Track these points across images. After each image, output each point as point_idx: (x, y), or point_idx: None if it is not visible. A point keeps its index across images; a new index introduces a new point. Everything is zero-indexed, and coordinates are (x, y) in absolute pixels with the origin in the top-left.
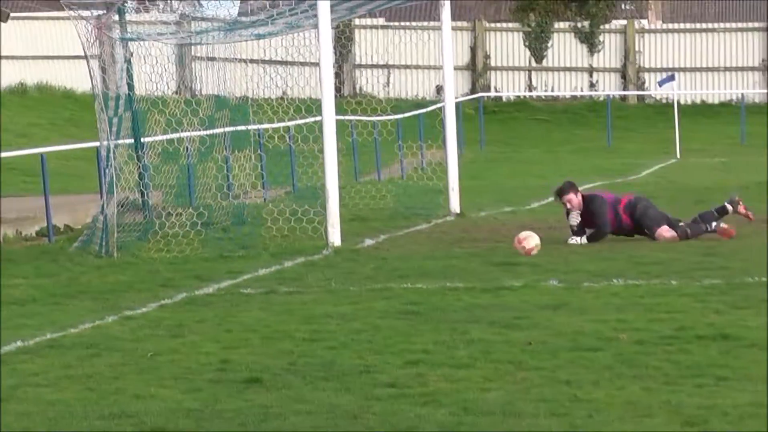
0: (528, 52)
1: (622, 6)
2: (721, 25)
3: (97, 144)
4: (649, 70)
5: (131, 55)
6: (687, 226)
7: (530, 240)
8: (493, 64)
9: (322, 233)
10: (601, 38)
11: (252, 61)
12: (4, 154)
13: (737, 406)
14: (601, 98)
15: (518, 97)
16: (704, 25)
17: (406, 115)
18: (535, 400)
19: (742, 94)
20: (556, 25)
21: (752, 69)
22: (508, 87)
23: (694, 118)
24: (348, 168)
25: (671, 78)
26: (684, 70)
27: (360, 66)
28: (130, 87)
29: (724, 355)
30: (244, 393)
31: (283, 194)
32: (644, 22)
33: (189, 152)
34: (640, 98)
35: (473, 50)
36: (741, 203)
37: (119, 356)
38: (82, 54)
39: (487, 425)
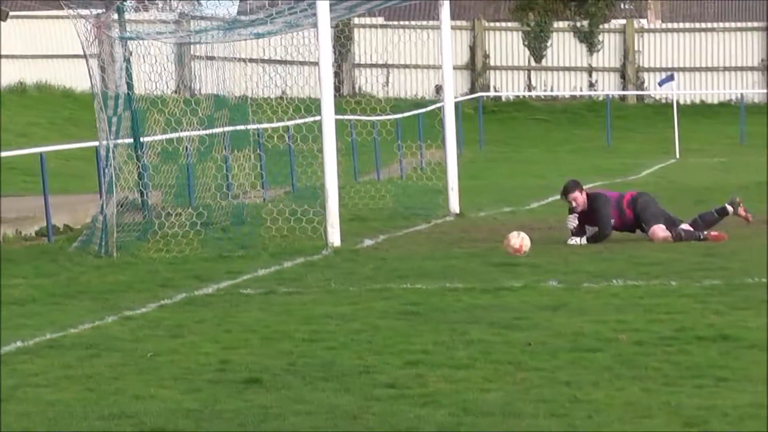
0: (527, 52)
1: (622, 5)
2: (721, 24)
3: (96, 143)
4: (649, 69)
5: (130, 54)
6: (683, 230)
7: (515, 240)
8: (492, 63)
9: (322, 233)
10: (600, 38)
11: (251, 60)
12: (3, 154)
13: (737, 407)
14: (601, 98)
15: (517, 96)
16: (704, 25)
17: (406, 114)
18: (535, 400)
19: (742, 94)
20: (555, 25)
21: (752, 69)
22: (507, 87)
23: (694, 118)
24: (347, 168)
25: (671, 78)
26: (683, 69)
27: (359, 65)
28: (130, 86)
29: (724, 356)
30: (243, 393)
31: (282, 194)
32: (643, 21)
33: (188, 152)
34: (640, 98)
35: (472, 50)
36: (741, 205)
37: (119, 356)
38: (82, 53)
39: (487, 426)
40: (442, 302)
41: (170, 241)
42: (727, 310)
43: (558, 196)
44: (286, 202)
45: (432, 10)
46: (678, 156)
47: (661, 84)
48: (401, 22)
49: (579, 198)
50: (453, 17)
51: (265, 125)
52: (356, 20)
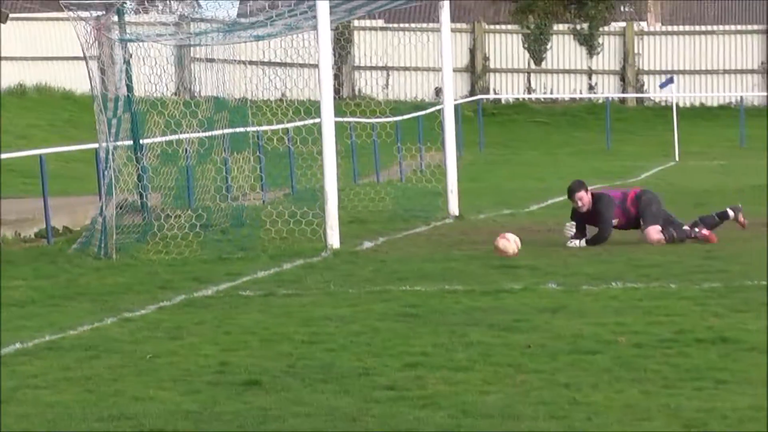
0: (527, 54)
1: (621, 8)
2: (721, 27)
3: (96, 145)
4: (648, 72)
5: (130, 56)
6: (675, 230)
7: (504, 241)
8: (492, 66)
9: (321, 235)
10: (600, 40)
11: (251, 62)
12: (3, 156)
13: (736, 409)
14: (600, 101)
15: (517, 99)
16: (703, 28)
17: (405, 117)
18: (534, 402)
19: (741, 97)
20: (555, 27)
21: (751, 71)
22: (507, 89)
23: (693, 120)
24: (347, 170)
25: (670, 81)
26: (683, 72)
27: (359, 68)
28: (129, 88)
29: (724, 358)
30: (243, 395)
31: (281, 196)
32: (643, 24)
33: (188, 154)
34: (639, 101)
35: (472, 52)
36: (741, 213)
37: (118, 358)
38: (81, 55)
39: (486, 428)
40: (442, 304)
41: (170, 242)
42: (727, 313)
43: (558, 198)
44: (286, 204)
45: (432, 12)
46: (678, 159)
47: (662, 87)
48: (401, 25)
49: (585, 198)
50: (453, 20)
51: (264, 127)
52: (356, 23)
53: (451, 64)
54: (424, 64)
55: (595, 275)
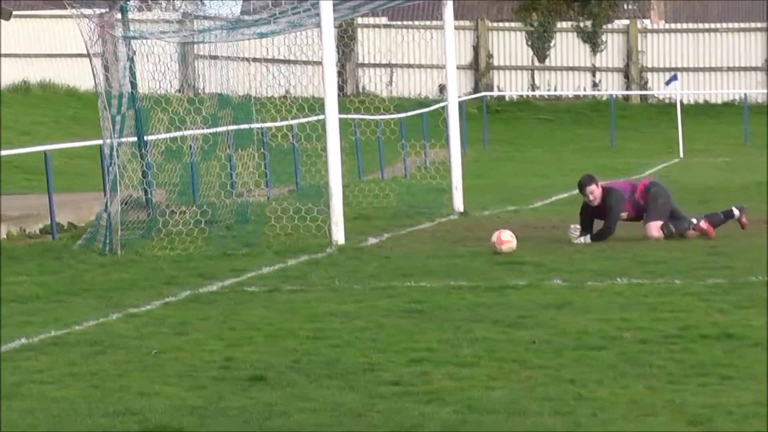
0: (531, 52)
1: (625, 6)
2: (724, 25)
3: (100, 142)
4: (652, 69)
5: (134, 53)
6: (673, 226)
7: (507, 245)
8: (496, 63)
9: (326, 232)
10: (603, 38)
11: (255, 59)
12: (8, 152)
13: (741, 405)
14: (604, 98)
15: (521, 96)
16: (707, 25)
17: (410, 114)
18: (540, 398)
19: (745, 94)
20: (558, 25)
21: (755, 69)
22: (511, 86)
23: (697, 118)
24: (351, 167)
25: (674, 78)
26: (687, 70)
27: (363, 65)
28: (133, 85)
29: (728, 354)
30: (248, 391)
31: (286, 192)
32: (647, 21)
33: (192, 150)
34: (643, 98)
35: (476, 49)
36: (746, 215)
37: (123, 354)
38: (85, 52)
39: (492, 424)
40: (447, 300)
41: (174, 239)
42: (731, 309)
43: (562, 195)
44: (290, 200)
45: (435, 10)
46: (682, 156)
47: (667, 84)
48: (405, 22)
49: (596, 191)
50: (456, 17)
51: (269, 124)
52: (360, 20)
53: (455, 61)
54: (428, 61)
55: (600, 271)
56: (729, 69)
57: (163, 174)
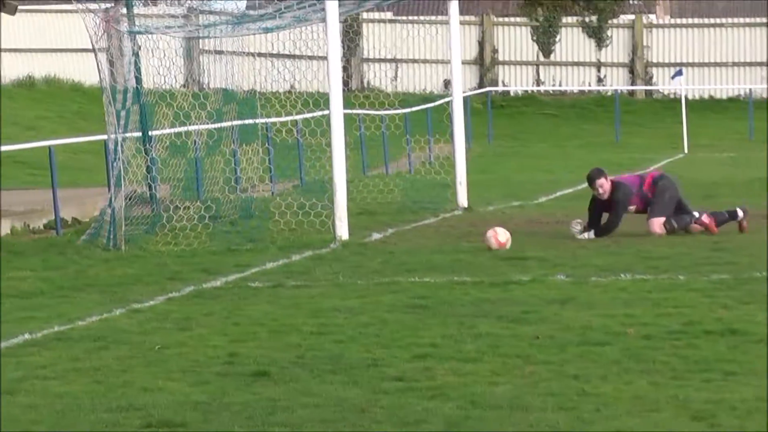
0: (536, 47)
1: (630, 1)
2: (729, 20)
3: (105, 137)
4: (657, 65)
5: (139, 48)
6: (675, 221)
7: (501, 237)
8: (501, 58)
9: (330, 227)
10: (609, 33)
11: (260, 54)
12: (12, 147)
13: (745, 400)
14: (609, 93)
15: (526, 91)
16: (712, 20)
17: (414, 109)
18: (543, 394)
19: (750, 90)
20: (563, 20)
21: (760, 64)
22: (516, 81)
23: (702, 113)
24: (356, 162)
25: (680, 73)
26: (692, 65)
27: (368, 60)
28: (138, 80)
29: (732, 350)
30: (251, 386)
31: (290, 188)
32: (652, 17)
33: (197, 145)
34: (648, 93)
35: (481, 44)
36: (747, 219)
37: (127, 349)
38: (90, 47)
39: (495, 419)
40: (451, 296)
41: (178, 234)
42: (735, 305)
43: (567, 190)
44: (295, 195)
45: (441, 5)
46: (686, 151)
47: (672, 78)
48: (410, 17)
49: (605, 185)
50: (462, 12)
51: (273, 119)
52: (365, 15)
53: (460, 56)
54: (433, 56)
55: (603, 267)
56: (734, 64)
57: (167, 169)
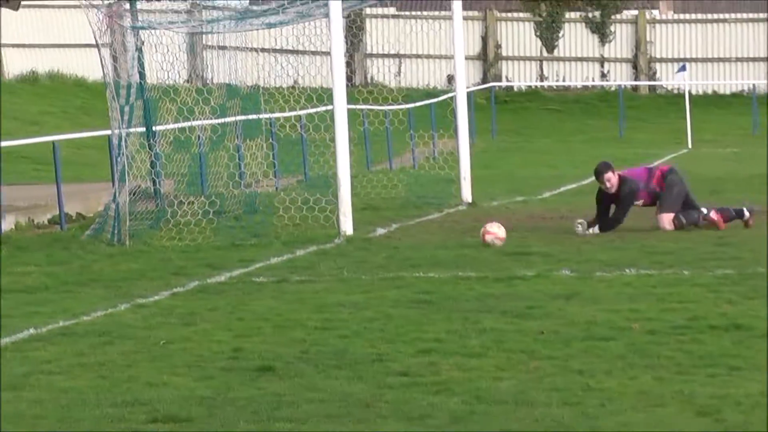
0: (539, 42)
1: None
2: (733, 15)
3: (108, 132)
4: (661, 60)
5: (142, 43)
6: (684, 217)
7: (493, 227)
8: (504, 53)
9: (334, 222)
10: (612, 28)
11: (263, 50)
12: (16, 142)
13: (749, 395)
14: (613, 88)
15: (530, 86)
16: (715, 16)
17: (418, 104)
18: (548, 389)
19: (754, 85)
20: (567, 15)
21: (764, 59)
22: (519, 77)
23: (706, 108)
24: (360, 157)
25: (683, 68)
26: (695, 60)
27: (371, 55)
28: (142, 75)
29: (737, 345)
30: (256, 381)
31: (294, 183)
32: (655, 12)
33: (201, 141)
34: (652, 88)
35: (484, 40)
36: (753, 219)
37: (132, 344)
38: (94, 42)
39: (500, 414)
40: (455, 291)
41: (183, 229)
42: (740, 300)
43: (570, 186)
44: (299, 190)
45: (444, 0)
46: (690, 146)
47: (676, 73)
48: (413, 12)
49: (612, 179)
50: (465, 8)
51: (277, 114)
52: (368, 10)
53: (463, 51)
54: (437, 51)
55: (608, 262)
56: (737, 59)
57: (171, 164)
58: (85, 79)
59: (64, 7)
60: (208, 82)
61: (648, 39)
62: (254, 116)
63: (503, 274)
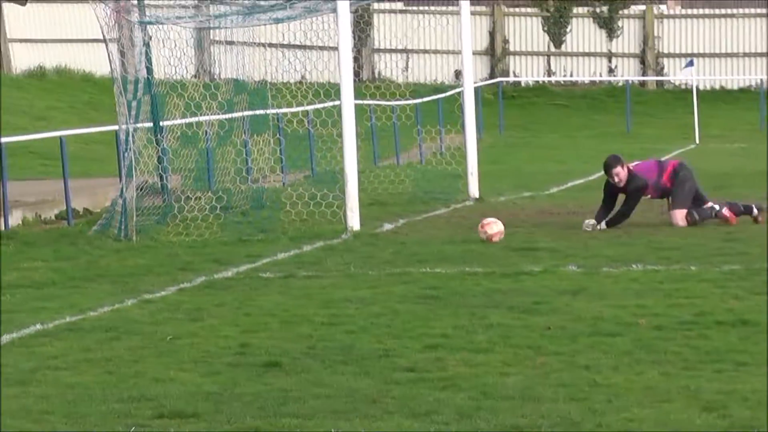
0: (547, 37)
1: None
2: (740, 10)
3: (116, 127)
4: (668, 55)
5: (150, 38)
6: (697, 213)
7: (493, 226)
8: (511, 49)
9: (341, 217)
10: (620, 23)
11: (271, 45)
12: (23, 138)
13: (756, 391)
14: (620, 83)
15: (537, 82)
16: (723, 11)
17: (425, 99)
18: (554, 384)
19: (761, 80)
20: (574, 10)
21: None
22: (527, 72)
23: (714, 103)
24: (367, 152)
25: (691, 63)
26: (703, 55)
27: (379, 50)
28: (149, 71)
29: (744, 340)
30: (263, 377)
31: (301, 178)
32: (663, 7)
33: (208, 136)
34: (660, 84)
35: (492, 35)
36: (762, 216)
37: (138, 339)
38: (101, 37)
39: (506, 410)
40: (462, 286)
41: (190, 224)
42: (747, 295)
43: (578, 181)
44: (306, 186)
45: None
46: (698, 141)
47: (684, 68)
48: (421, 7)
49: (621, 173)
50: (472, 2)
51: (284, 110)
52: (376, 5)
53: (471, 46)
54: (444, 46)
55: (615, 257)
56: (745, 55)
57: (178, 159)
58: (93, 75)
59: (71, 2)
60: (215, 77)
61: (656, 34)
62: (261, 111)
63: (510, 270)
